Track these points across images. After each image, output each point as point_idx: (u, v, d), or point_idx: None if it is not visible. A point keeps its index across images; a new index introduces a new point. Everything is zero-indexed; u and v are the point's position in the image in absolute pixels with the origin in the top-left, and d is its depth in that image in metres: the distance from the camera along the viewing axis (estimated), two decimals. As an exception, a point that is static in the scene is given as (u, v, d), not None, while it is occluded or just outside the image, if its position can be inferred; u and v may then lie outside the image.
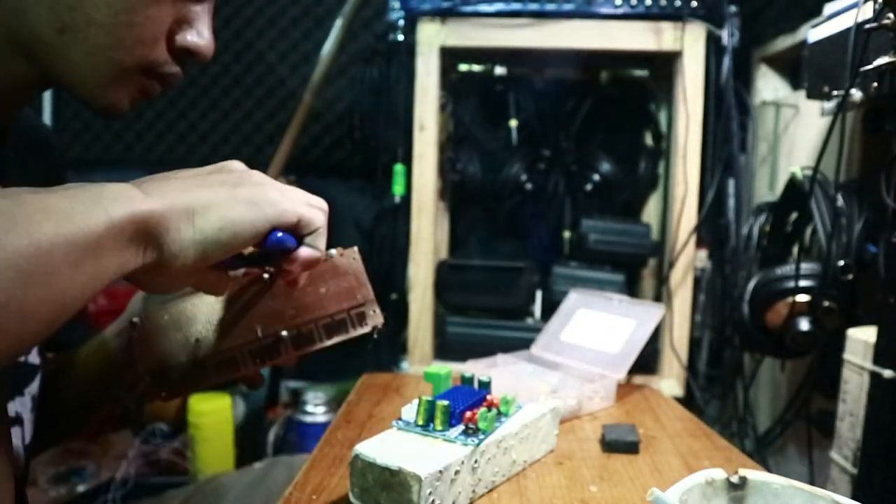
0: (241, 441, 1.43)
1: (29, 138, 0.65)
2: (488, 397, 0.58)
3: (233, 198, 0.43)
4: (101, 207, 0.38)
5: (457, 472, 0.49)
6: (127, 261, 0.40)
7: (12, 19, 0.48)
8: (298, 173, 1.56)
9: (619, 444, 0.64)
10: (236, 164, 0.48)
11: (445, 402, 0.53)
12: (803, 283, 0.94)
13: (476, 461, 0.51)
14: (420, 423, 0.53)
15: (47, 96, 1.83)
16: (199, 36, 0.53)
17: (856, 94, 0.79)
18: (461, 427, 0.53)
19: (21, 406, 0.59)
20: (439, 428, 0.52)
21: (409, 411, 0.55)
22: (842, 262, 0.88)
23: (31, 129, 0.67)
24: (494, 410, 0.56)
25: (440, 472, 0.47)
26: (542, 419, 0.60)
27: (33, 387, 0.61)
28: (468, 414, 0.53)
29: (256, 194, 0.44)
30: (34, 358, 0.61)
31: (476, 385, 0.61)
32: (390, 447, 0.49)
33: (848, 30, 0.81)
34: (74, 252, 0.36)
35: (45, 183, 0.67)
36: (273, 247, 0.45)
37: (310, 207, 0.47)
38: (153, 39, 0.51)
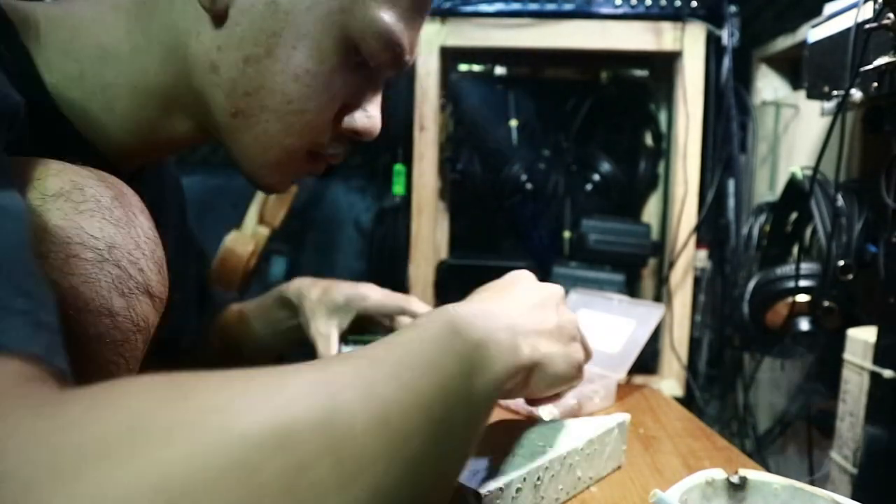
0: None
1: (160, 181, 0.67)
2: None
3: (564, 356, 0.50)
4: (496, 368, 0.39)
5: (518, 490, 0.46)
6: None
7: (195, 94, 0.49)
8: (298, 173, 1.56)
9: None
10: (554, 294, 0.53)
11: None
12: (803, 283, 0.94)
13: (539, 478, 0.49)
14: None
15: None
16: (367, 117, 0.53)
17: (856, 94, 0.79)
18: None
19: None
20: None
21: None
22: (842, 262, 0.88)
23: (164, 175, 0.68)
24: None
25: (500, 489, 0.44)
26: (610, 434, 0.57)
27: None
28: None
29: (572, 355, 0.51)
30: None
31: None
32: None
33: (848, 30, 0.81)
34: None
35: (175, 220, 0.70)
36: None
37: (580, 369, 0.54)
38: (323, 124, 0.51)
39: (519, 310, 0.48)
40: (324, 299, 0.73)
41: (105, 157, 0.49)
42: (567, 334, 0.51)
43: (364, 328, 0.78)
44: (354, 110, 0.53)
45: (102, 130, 0.49)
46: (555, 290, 0.53)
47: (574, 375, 0.52)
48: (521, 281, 0.53)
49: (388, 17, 0.49)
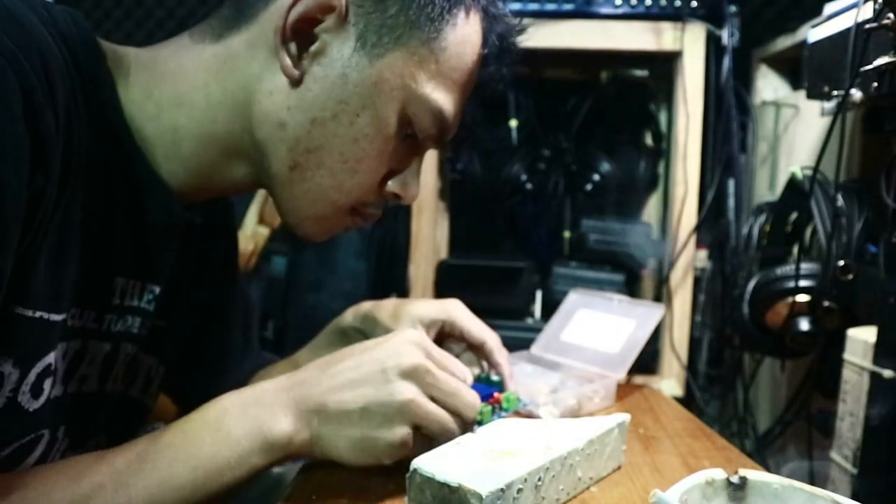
0: (241, 441, 1.43)
1: (218, 217, 0.71)
2: (495, 395, 0.65)
3: (354, 440, 0.50)
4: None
5: (519, 491, 0.46)
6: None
7: (258, 146, 0.54)
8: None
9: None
10: (391, 368, 0.51)
11: None
12: (803, 283, 0.94)
13: (540, 478, 0.49)
14: None
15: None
16: (407, 185, 0.60)
17: (856, 94, 0.79)
18: None
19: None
20: None
21: None
22: (842, 262, 0.88)
23: (224, 212, 0.73)
24: (492, 406, 0.63)
25: (502, 490, 0.44)
26: (610, 434, 0.57)
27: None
28: None
29: (373, 439, 0.50)
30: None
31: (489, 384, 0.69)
32: (451, 461, 0.47)
33: (848, 30, 0.81)
34: None
35: (222, 256, 0.74)
36: None
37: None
38: (370, 186, 0.57)
39: (327, 385, 0.51)
40: (401, 314, 0.70)
41: (166, 186, 0.54)
42: (378, 416, 0.50)
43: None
44: (398, 175, 0.59)
45: (167, 165, 0.54)
46: (397, 362, 0.51)
47: (373, 458, 0.51)
48: (363, 353, 0.53)
49: (441, 97, 0.56)
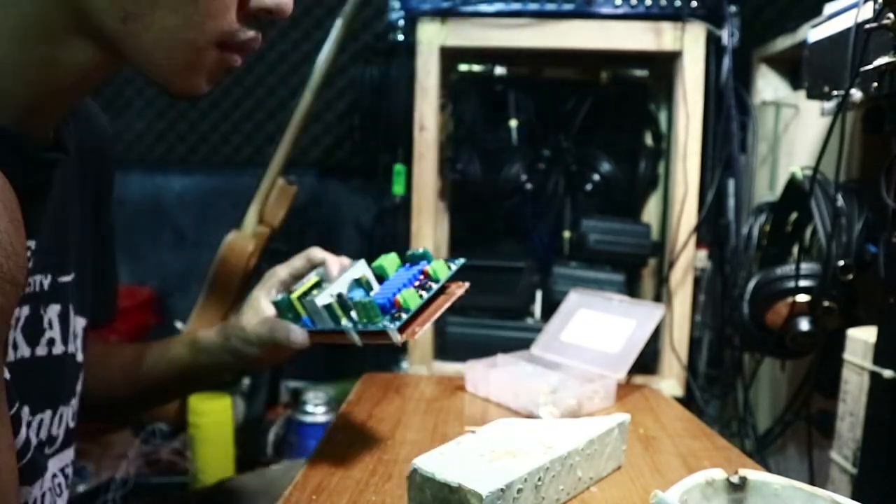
0: (242, 441, 1.43)
1: (86, 134, 0.63)
2: (425, 269, 0.60)
3: None
4: None
5: (519, 491, 0.46)
6: None
7: (80, 13, 0.45)
8: (298, 173, 1.56)
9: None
10: None
11: (366, 300, 0.56)
12: (803, 283, 0.94)
13: (540, 478, 0.49)
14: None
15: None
16: None
17: (856, 94, 0.79)
18: (388, 316, 0.55)
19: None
20: (363, 321, 0.56)
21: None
22: (842, 262, 0.88)
23: (89, 122, 0.64)
24: (414, 288, 0.58)
25: (502, 490, 0.45)
26: (610, 434, 0.57)
27: (79, 386, 0.63)
28: (396, 299, 0.56)
29: None
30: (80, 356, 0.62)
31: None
32: (451, 461, 0.47)
33: (848, 30, 0.81)
34: None
35: (97, 187, 0.67)
36: None
37: None
38: (224, 9, 0.47)
39: None
40: (253, 301, 0.74)
41: (6, 128, 0.46)
42: None
43: None
44: None
45: None
46: None
47: None
48: None
49: None
